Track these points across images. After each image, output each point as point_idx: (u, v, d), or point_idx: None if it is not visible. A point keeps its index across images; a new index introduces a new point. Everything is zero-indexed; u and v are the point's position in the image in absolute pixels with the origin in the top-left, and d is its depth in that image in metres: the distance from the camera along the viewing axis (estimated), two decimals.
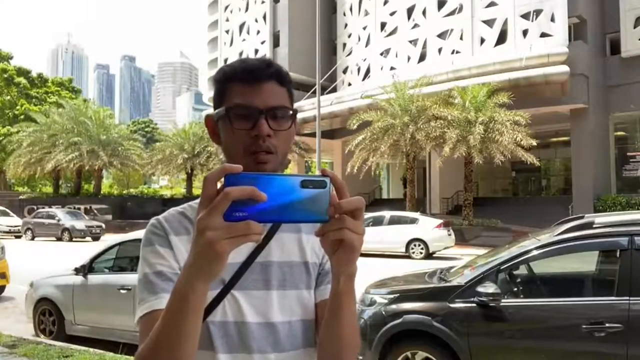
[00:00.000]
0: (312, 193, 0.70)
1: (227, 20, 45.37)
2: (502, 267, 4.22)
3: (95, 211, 31.20)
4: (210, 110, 1.05)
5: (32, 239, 24.79)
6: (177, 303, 0.75)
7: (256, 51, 40.79)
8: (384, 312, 4.44)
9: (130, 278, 5.83)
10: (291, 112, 0.99)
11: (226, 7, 45.54)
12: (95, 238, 23.92)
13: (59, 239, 24.04)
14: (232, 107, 0.96)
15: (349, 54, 35.80)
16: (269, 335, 0.96)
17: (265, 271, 0.99)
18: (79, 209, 29.55)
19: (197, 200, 1.05)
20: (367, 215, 16.01)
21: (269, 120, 0.95)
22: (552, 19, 24.62)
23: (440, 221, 17.38)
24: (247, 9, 42.87)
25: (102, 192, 36.52)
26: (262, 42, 40.79)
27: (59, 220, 24.52)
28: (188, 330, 0.76)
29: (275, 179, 0.70)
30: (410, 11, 31.11)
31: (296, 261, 1.03)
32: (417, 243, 16.57)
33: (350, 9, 36.10)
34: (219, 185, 0.71)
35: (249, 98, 0.96)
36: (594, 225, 4.10)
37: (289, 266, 1.02)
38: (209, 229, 0.67)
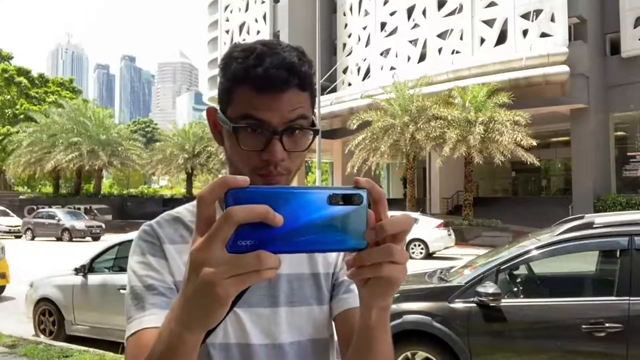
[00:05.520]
0: (343, 212, 0.55)
1: (227, 20, 45.41)
2: (502, 267, 4.22)
3: (95, 211, 31.21)
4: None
5: (32, 239, 24.77)
6: (162, 355, 0.61)
7: None
8: None
9: None
10: (311, 127, 0.83)
11: (226, 7, 45.59)
12: (95, 238, 23.91)
13: (59, 239, 24.03)
14: (239, 119, 0.80)
15: (349, 54, 35.81)
16: (275, 359, 0.86)
17: (272, 286, 0.88)
18: (79, 209, 29.56)
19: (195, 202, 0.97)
20: None
21: (285, 139, 0.79)
22: (552, 19, 24.63)
23: (440, 221, 17.39)
24: (247, 9, 42.91)
25: (102, 192, 36.53)
26: None
27: (59, 220, 24.52)
28: None
29: (294, 195, 0.54)
30: (410, 11, 31.12)
31: (306, 273, 0.92)
32: (417, 243, 16.56)
33: (350, 9, 36.11)
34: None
35: (262, 112, 0.78)
36: (594, 225, 4.10)
37: (298, 279, 0.91)
38: (206, 265, 0.52)
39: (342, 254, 0.94)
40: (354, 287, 0.90)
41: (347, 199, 0.55)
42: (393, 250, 0.57)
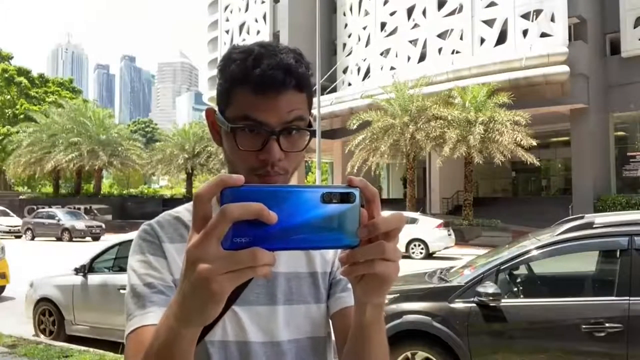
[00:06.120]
0: (337, 210, 0.56)
1: (227, 20, 45.41)
2: (502, 267, 4.22)
3: (95, 211, 31.20)
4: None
5: (32, 239, 24.77)
6: (160, 350, 0.62)
7: None
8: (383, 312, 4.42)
9: None
10: (308, 128, 0.84)
11: (226, 7, 45.59)
12: (95, 238, 23.90)
13: (59, 239, 24.02)
14: (237, 119, 0.81)
15: (349, 54, 35.81)
16: (274, 356, 0.87)
17: (270, 284, 0.89)
18: (79, 209, 29.55)
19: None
20: None
21: (282, 139, 0.80)
22: (552, 19, 24.62)
23: (440, 221, 17.39)
24: (247, 9, 42.90)
25: (102, 192, 36.53)
26: None
27: (59, 220, 24.51)
28: None
29: (288, 193, 0.55)
30: (410, 11, 31.12)
31: (303, 272, 0.93)
32: (417, 243, 16.57)
33: (350, 9, 36.12)
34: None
35: (259, 113, 0.79)
36: (594, 225, 4.10)
37: (296, 278, 0.92)
38: (202, 261, 0.52)
39: (339, 252, 0.95)
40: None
41: (340, 198, 0.56)
42: (385, 248, 0.59)
